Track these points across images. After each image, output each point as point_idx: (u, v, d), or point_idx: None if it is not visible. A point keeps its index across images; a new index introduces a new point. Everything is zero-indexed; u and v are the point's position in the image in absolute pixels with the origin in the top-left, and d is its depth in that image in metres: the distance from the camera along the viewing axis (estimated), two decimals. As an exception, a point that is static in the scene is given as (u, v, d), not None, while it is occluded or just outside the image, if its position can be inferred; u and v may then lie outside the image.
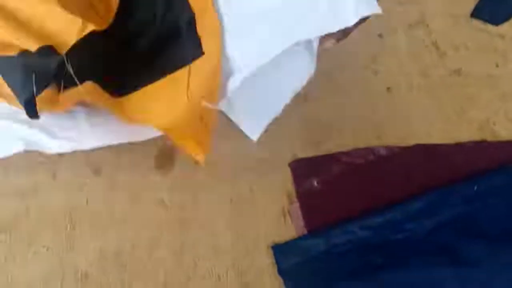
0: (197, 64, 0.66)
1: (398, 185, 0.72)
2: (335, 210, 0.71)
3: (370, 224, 0.68)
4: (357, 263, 0.67)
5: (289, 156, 0.78)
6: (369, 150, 0.75)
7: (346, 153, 0.76)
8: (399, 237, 0.68)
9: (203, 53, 0.66)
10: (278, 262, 0.67)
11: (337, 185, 0.73)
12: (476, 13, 0.95)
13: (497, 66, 0.89)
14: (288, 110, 0.79)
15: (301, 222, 0.71)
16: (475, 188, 0.72)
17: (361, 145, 0.78)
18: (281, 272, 0.66)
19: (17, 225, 0.73)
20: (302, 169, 0.74)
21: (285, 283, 0.66)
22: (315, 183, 0.73)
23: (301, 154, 0.78)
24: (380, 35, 0.91)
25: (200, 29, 0.68)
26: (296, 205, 0.71)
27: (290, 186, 0.74)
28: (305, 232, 0.70)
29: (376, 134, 0.79)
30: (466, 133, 0.80)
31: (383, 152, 0.76)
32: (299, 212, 0.71)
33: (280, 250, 0.68)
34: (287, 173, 0.76)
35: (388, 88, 0.85)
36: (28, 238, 0.73)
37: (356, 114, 0.82)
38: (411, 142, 0.78)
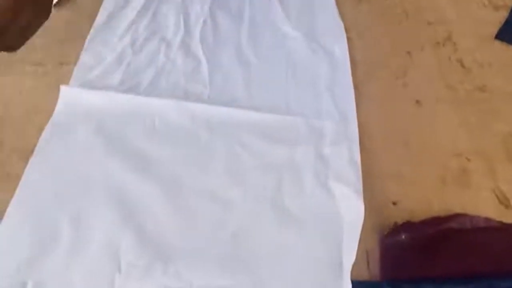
0: None
1: (487, 259, 0.70)
2: (415, 266, 0.70)
3: (447, 289, 0.66)
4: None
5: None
6: (468, 218, 0.74)
7: (443, 218, 0.74)
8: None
9: None
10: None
11: (425, 243, 0.71)
12: (500, 36, 1.02)
13: (518, 84, 0.95)
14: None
15: (376, 268, 0.71)
16: None
17: (389, 149, 0.84)
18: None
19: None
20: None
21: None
22: (403, 236, 0.72)
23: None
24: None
25: None
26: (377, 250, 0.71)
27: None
28: (377, 277, 0.70)
29: (403, 141, 0.85)
30: (489, 144, 0.85)
31: (481, 223, 0.73)
32: (377, 258, 0.72)
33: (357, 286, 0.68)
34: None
35: (417, 101, 0.92)
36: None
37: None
38: (436, 150, 0.83)
